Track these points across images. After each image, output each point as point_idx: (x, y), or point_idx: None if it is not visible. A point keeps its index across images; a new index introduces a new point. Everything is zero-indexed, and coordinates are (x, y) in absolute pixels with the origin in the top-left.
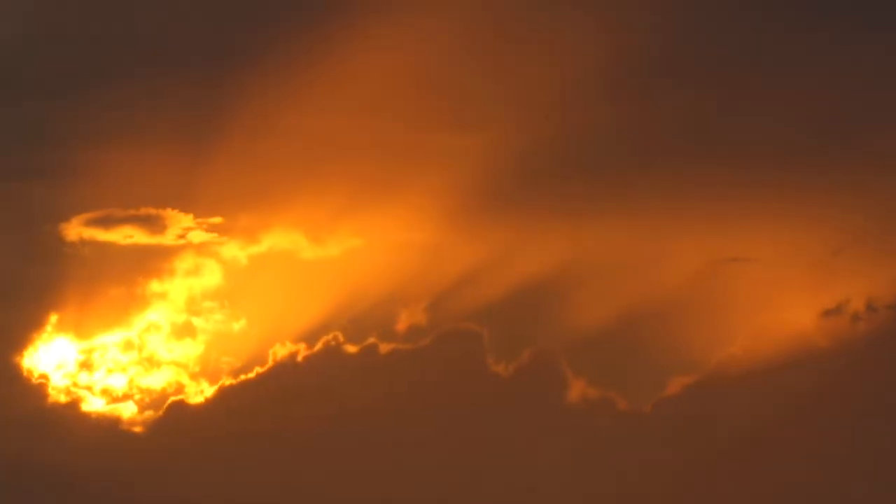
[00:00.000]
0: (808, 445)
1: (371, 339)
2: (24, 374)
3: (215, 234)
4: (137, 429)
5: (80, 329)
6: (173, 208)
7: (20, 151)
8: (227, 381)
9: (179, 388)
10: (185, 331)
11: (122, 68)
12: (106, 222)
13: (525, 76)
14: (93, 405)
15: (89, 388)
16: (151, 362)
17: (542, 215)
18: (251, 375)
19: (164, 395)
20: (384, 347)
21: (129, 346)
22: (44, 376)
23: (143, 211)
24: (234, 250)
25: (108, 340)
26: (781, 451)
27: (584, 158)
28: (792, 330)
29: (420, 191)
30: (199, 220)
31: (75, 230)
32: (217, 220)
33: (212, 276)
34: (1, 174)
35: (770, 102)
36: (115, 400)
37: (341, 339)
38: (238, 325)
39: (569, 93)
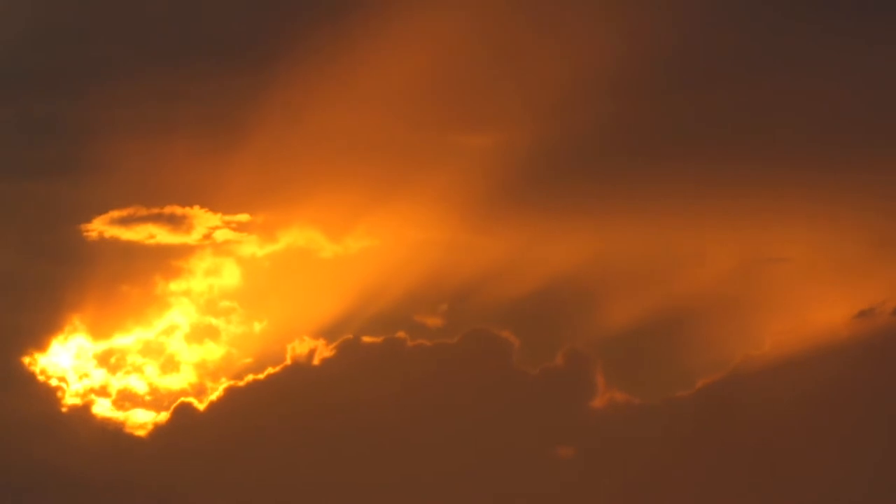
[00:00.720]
0: (842, 445)
1: (390, 337)
2: (43, 375)
3: (243, 233)
4: (157, 430)
5: (99, 330)
6: (201, 206)
7: (41, 148)
8: (247, 379)
9: (200, 389)
10: (204, 330)
11: (147, 63)
12: (128, 221)
13: (550, 74)
14: (111, 406)
15: (108, 390)
16: (171, 363)
17: (564, 214)
18: (268, 373)
19: (183, 395)
20: (403, 345)
21: (148, 346)
22: (62, 377)
23: (168, 209)
24: (253, 248)
25: (127, 341)
26: (813, 453)
27: (608, 157)
28: (826, 330)
29: (442, 190)
30: (227, 217)
31: (97, 229)
32: (244, 217)
33: (231, 274)
34: (22, 171)
35: (806, 100)
36: (135, 400)
37: (360, 337)
38: (257, 324)
39: (594, 90)
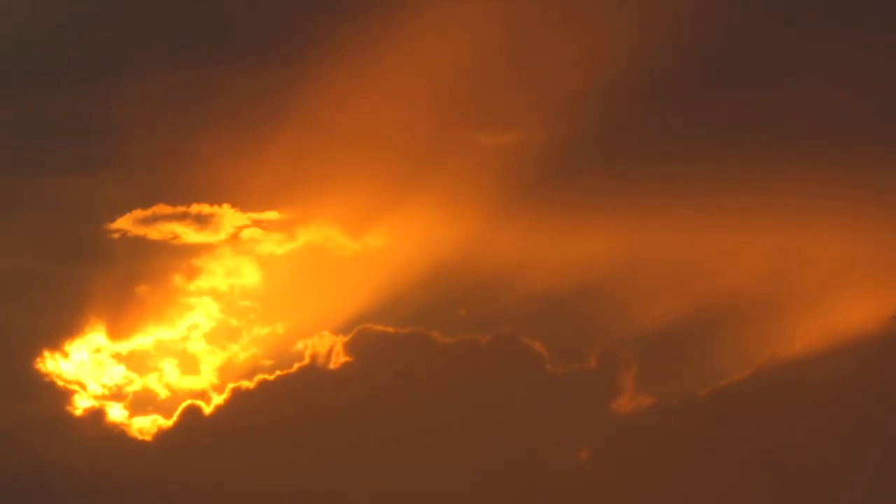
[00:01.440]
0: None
1: (410, 337)
2: (63, 377)
3: (272, 232)
4: (173, 431)
5: (120, 331)
6: (231, 205)
7: (64, 146)
8: (264, 378)
9: (220, 389)
10: (224, 331)
11: (173, 59)
12: (152, 220)
13: (577, 71)
14: (129, 409)
15: (125, 391)
16: (191, 364)
17: (591, 214)
18: (286, 372)
19: (201, 395)
20: (424, 345)
21: (168, 347)
22: (83, 379)
23: (195, 208)
24: (272, 247)
25: (147, 342)
26: (847, 456)
27: (635, 155)
28: (860, 332)
29: (464, 188)
30: (255, 215)
31: (119, 229)
32: (273, 214)
33: (250, 273)
34: (44, 169)
35: (843, 98)
36: (155, 403)
37: (379, 334)
38: (276, 322)
39: (622, 87)
